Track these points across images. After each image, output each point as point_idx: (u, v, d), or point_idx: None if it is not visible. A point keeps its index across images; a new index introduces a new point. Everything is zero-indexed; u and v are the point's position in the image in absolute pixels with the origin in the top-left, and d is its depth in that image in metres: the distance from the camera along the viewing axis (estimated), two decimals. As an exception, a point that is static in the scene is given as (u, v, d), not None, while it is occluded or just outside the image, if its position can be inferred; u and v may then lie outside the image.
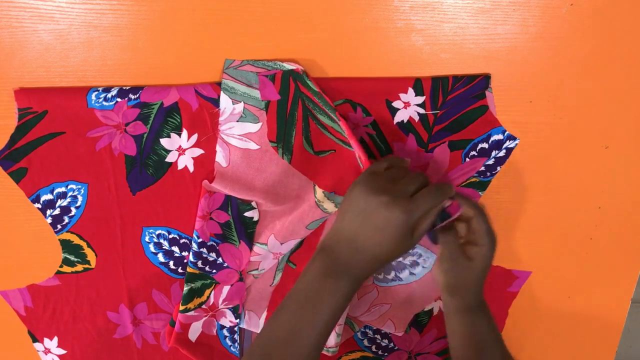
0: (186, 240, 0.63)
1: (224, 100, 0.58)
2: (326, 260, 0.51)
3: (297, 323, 0.49)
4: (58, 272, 0.64)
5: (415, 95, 0.58)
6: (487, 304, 0.59)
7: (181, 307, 0.63)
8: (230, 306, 0.65)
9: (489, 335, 0.58)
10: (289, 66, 0.57)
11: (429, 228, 0.51)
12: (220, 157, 0.60)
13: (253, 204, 0.61)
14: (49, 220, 0.62)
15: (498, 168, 0.62)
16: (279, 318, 0.50)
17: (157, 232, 0.63)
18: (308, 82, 0.57)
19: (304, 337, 0.49)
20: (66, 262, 0.64)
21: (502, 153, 0.61)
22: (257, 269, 0.64)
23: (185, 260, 0.64)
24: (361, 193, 0.50)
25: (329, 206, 0.60)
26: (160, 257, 0.64)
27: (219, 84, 0.57)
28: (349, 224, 0.51)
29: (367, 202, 0.50)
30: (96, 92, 0.57)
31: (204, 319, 0.65)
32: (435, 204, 0.51)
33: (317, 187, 0.61)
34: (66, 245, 0.63)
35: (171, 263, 0.64)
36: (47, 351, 0.68)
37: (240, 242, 0.62)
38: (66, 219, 0.62)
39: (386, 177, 0.52)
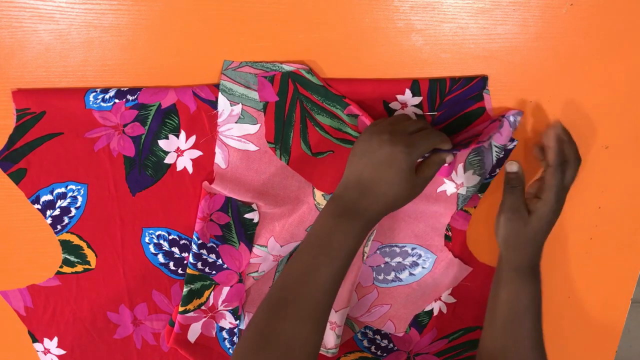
0: (186, 242, 0.63)
1: (222, 101, 0.58)
2: (336, 204, 0.52)
3: (311, 264, 0.50)
4: (58, 273, 0.64)
5: (413, 96, 0.58)
6: (539, 272, 0.59)
7: (180, 309, 0.63)
8: (230, 308, 0.65)
9: (530, 307, 0.58)
10: (288, 67, 0.57)
11: (432, 176, 0.54)
12: (220, 159, 0.60)
13: (253, 205, 0.61)
14: (49, 220, 0.62)
15: (497, 170, 0.62)
16: (294, 260, 0.51)
17: (157, 233, 0.63)
18: (312, 77, 0.57)
19: (319, 277, 0.49)
20: (66, 262, 0.64)
21: (501, 155, 0.61)
22: (257, 271, 0.64)
23: (185, 262, 0.64)
24: (364, 139, 0.54)
25: (329, 208, 0.60)
26: (160, 258, 0.64)
27: (217, 85, 0.57)
28: (354, 169, 0.53)
29: (369, 143, 0.52)
30: (94, 93, 0.57)
31: (203, 320, 0.65)
32: (434, 144, 0.53)
33: (316, 190, 0.61)
34: (66, 245, 0.63)
35: (171, 264, 0.64)
36: (46, 351, 0.68)
37: (240, 244, 0.62)
38: (66, 220, 0.62)
39: (387, 123, 0.54)
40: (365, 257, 0.63)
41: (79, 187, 0.61)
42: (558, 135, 0.57)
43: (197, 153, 0.60)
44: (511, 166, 0.59)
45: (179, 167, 0.61)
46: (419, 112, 0.59)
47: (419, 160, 0.54)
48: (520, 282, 0.59)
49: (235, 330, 0.66)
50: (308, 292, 0.49)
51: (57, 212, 0.62)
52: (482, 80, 0.58)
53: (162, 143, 0.60)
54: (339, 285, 0.51)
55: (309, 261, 0.50)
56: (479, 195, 0.63)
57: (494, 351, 0.59)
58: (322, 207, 0.60)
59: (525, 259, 0.58)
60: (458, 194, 0.62)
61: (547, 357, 0.59)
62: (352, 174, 0.53)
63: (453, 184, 0.60)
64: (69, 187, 0.61)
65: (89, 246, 0.63)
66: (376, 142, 0.52)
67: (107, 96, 0.57)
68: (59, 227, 0.62)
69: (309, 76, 0.57)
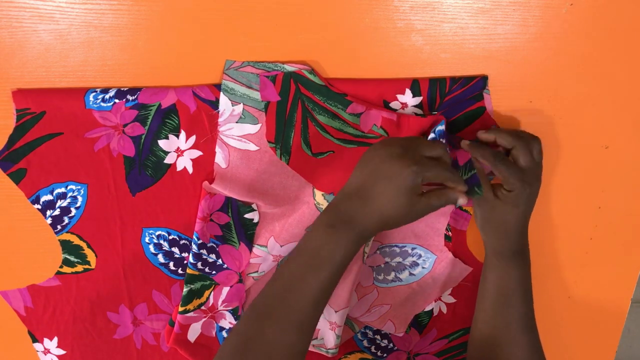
0: (186, 242, 0.63)
1: (224, 101, 0.58)
2: (330, 214, 0.50)
3: (298, 273, 0.49)
4: (58, 273, 0.64)
5: (413, 96, 0.58)
6: (527, 255, 0.59)
7: (180, 308, 0.63)
8: (230, 308, 0.65)
9: (517, 290, 0.58)
10: (290, 68, 0.57)
11: (439, 207, 0.50)
12: (220, 158, 0.60)
13: (253, 205, 0.61)
14: (49, 220, 0.62)
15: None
16: (282, 269, 0.50)
17: (157, 233, 0.63)
18: (314, 77, 0.57)
19: (304, 286, 0.48)
20: (66, 262, 0.64)
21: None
22: (257, 271, 0.64)
23: (185, 262, 0.64)
24: (373, 148, 0.51)
25: (329, 208, 0.60)
26: (160, 258, 0.64)
27: (217, 86, 0.57)
28: (356, 177, 0.50)
29: (377, 154, 0.49)
30: (94, 93, 0.57)
31: (203, 320, 0.65)
32: (445, 179, 0.50)
33: (316, 190, 0.61)
34: (66, 245, 0.63)
35: (171, 264, 0.64)
36: (46, 351, 0.68)
37: (240, 244, 0.62)
38: (66, 220, 0.62)
39: (402, 139, 0.51)
40: (365, 257, 0.63)
41: (79, 187, 0.61)
42: (472, 146, 0.55)
43: (197, 153, 0.60)
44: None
45: (179, 167, 0.61)
46: (419, 112, 0.59)
47: (429, 188, 0.51)
48: (504, 267, 0.58)
49: (235, 330, 0.66)
50: (293, 301, 0.48)
51: (57, 212, 0.62)
52: (482, 80, 0.58)
53: (162, 143, 0.60)
54: (327, 296, 0.50)
55: (295, 270, 0.49)
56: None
57: (485, 336, 0.60)
58: (323, 207, 0.60)
59: (505, 243, 0.58)
60: None
61: (539, 339, 0.59)
62: (352, 183, 0.51)
63: None
64: (69, 187, 0.61)
65: (89, 246, 0.63)
66: (384, 155, 0.49)
67: (107, 96, 0.57)
68: (59, 227, 0.62)
69: (311, 76, 0.57)
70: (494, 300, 0.59)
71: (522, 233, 0.58)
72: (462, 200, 0.51)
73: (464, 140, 0.56)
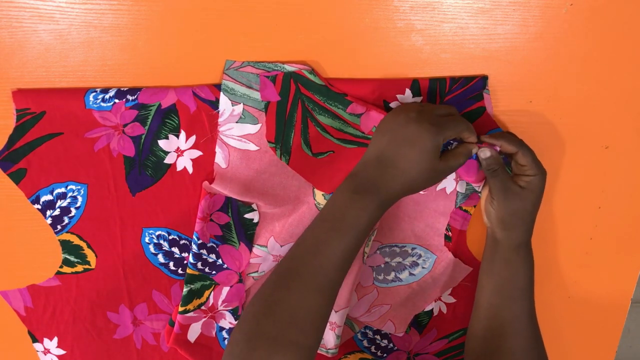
0: (186, 242, 0.63)
1: (224, 101, 0.58)
2: (353, 180, 0.52)
3: (322, 237, 0.50)
4: (58, 273, 0.64)
5: (413, 96, 0.58)
6: (531, 245, 0.59)
7: (180, 309, 0.63)
8: (230, 308, 0.65)
9: (528, 283, 0.59)
10: (290, 68, 0.57)
11: (457, 167, 0.53)
12: (220, 158, 0.60)
13: (253, 205, 0.61)
14: (49, 220, 0.62)
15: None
16: (305, 234, 0.51)
17: (157, 233, 0.63)
18: (314, 77, 0.57)
19: (328, 250, 0.49)
20: (66, 262, 0.64)
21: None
22: (257, 271, 0.64)
23: (185, 262, 0.64)
24: (390, 115, 0.53)
25: (329, 208, 0.60)
26: (160, 258, 0.64)
27: (217, 86, 0.57)
28: (376, 145, 0.52)
29: (395, 121, 0.52)
30: (94, 93, 0.57)
31: (203, 320, 0.65)
32: (461, 131, 0.53)
33: (316, 190, 0.61)
34: (66, 245, 0.63)
35: (171, 264, 0.64)
36: (46, 351, 0.68)
37: (240, 244, 0.62)
38: (66, 220, 0.62)
39: (416, 104, 0.54)
40: (365, 257, 0.63)
41: (79, 187, 0.61)
42: (494, 136, 0.56)
43: (197, 153, 0.60)
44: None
45: (179, 167, 0.61)
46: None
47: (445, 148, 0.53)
48: (520, 260, 0.59)
49: (235, 330, 0.66)
50: (317, 265, 0.49)
51: (57, 212, 0.62)
52: (482, 80, 0.58)
53: (162, 143, 0.60)
54: (350, 262, 0.50)
55: (319, 235, 0.50)
56: (479, 194, 0.63)
57: (488, 328, 0.59)
58: (323, 207, 0.60)
59: (524, 235, 0.58)
60: (457, 192, 0.62)
61: (539, 329, 0.60)
62: (373, 151, 0.52)
63: (453, 174, 0.60)
64: (69, 187, 0.61)
65: (89, 246, 0.63)
66: (402, 119, 0.51)
67: (107, 96, 0.57)
68: (59, 227, 0.62)
69: (311, 76, 0.57)
70: (502, 293, 0.59)
71: (534, 222, 0.59)
72: (475, 150, 0.54)
73: (483, 136, 0.56)
